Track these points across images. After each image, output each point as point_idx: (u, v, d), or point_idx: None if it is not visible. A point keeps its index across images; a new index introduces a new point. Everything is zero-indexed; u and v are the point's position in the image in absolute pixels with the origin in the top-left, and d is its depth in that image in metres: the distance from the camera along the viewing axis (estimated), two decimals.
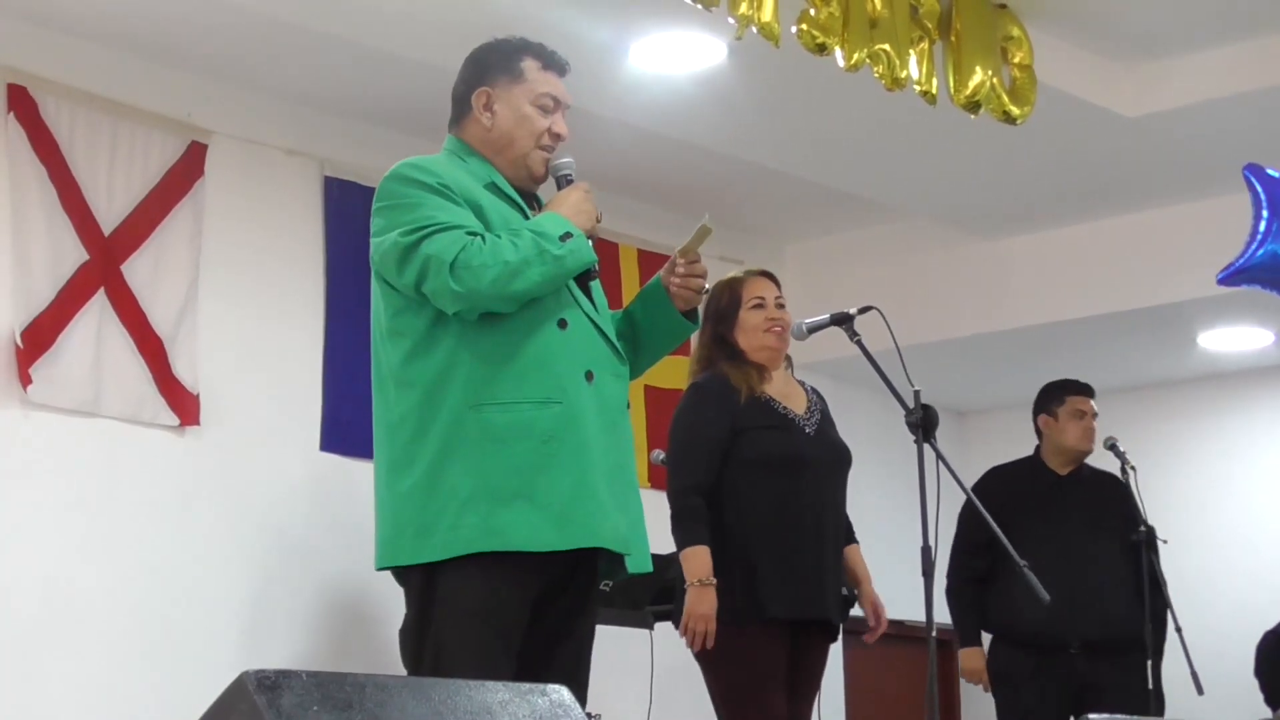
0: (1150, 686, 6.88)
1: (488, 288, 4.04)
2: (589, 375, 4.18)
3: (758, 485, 5.54)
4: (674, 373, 7.27)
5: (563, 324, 4.18)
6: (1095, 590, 6.92)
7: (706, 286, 4.50)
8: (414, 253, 4.08)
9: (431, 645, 4.08)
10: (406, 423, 4.14)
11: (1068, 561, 6.86)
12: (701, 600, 5.37)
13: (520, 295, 4.08)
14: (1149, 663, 6.90)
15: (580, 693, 4.09)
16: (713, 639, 5.35)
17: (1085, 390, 7.38)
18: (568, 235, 4.15)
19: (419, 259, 4.07)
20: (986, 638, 7.28)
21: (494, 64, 4.39)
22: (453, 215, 4.12)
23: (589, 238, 4.25)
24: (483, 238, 4.08)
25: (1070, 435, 7.27)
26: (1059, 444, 7.29)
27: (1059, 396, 7.36)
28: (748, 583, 5.43)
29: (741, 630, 5.40)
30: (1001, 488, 7.10)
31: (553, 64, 4.40)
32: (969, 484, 5.32)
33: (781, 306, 5.76)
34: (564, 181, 4.34)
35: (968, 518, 6.94)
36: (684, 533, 5.50)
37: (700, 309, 4.61)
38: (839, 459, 5.74)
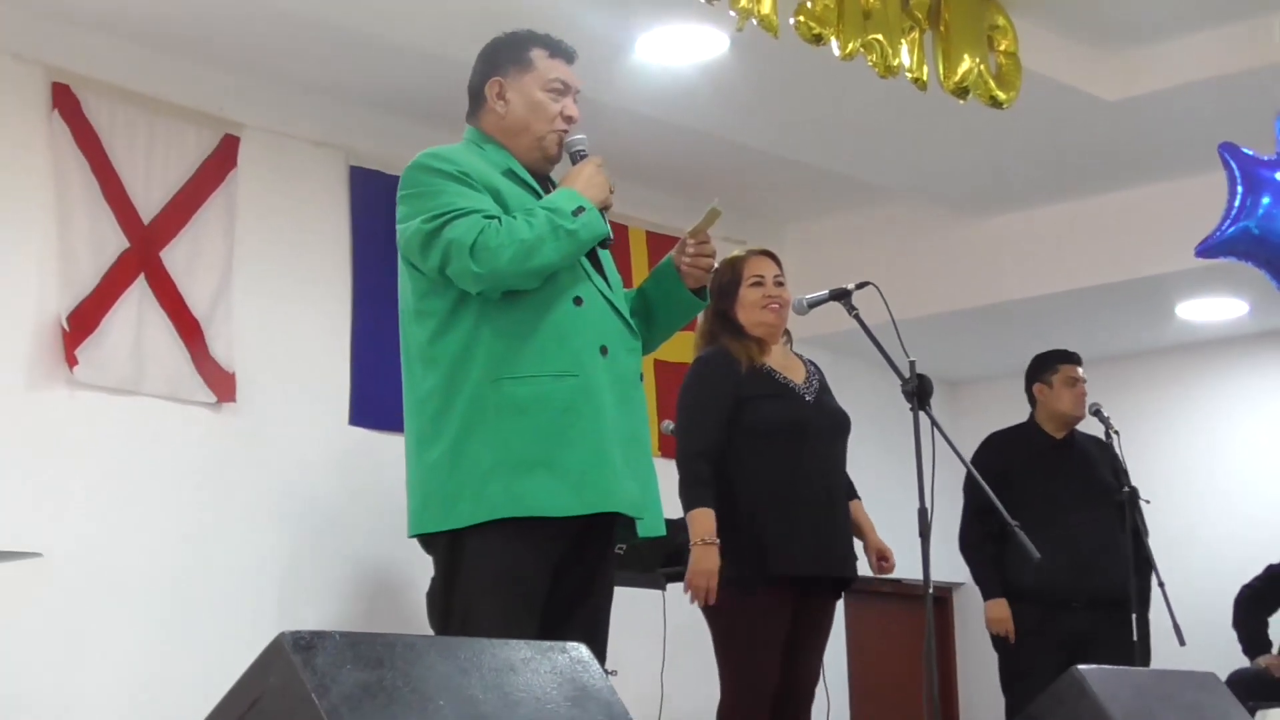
0: (1135, 638, 6.86)
1: (506, 266, 4.03)
2: (603, 349, 4.18)
3: (762, 451, 5.53)
4: (682, 347, 7.25)
5: (578, 301, 4.18)
6: (1095, 549, 6.89)
7: (715, 265, 4.49)
8: (436, 238, 4.08)
9: (459, 608, 4.08)
10: (432, 398, 4.14)
11: (1068, 521, 6.86)
12: (704, 558, 5.35)
13: (538, 271, 4.08)
14: (1135, 616, 6.88)
15: (599, 651, 4.08)
16: (714, 596, 5.34)
17: (1076, 359, 7.37)
18: (580, 210, 4.14)
19: (441, 244, 4.07)
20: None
21: (504, 55, 4.39)
22: (472, 201, 4.12)
23: (603, 209, 4.24)
24: (499, 220, 4.08)
25: (1065, 401, 7.26)
26: (1054, 410, 7.28)
27: (1052, 365, 7.35)
28: (755, 545, 5.42)
29: (749, 594, 5.39)
30: (1000, 452, 7.11)
31: (560, 51, 4.40)
32: (965, 449, 5.31)
33: (780, 284, 5.75)
34: (578, 157, 4.34)
35: (972, 483, 6.92)
36: (689, 496, 5.49)
37: (709, 286, 4.61)
38: (838, 424, 5.74)
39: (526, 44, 4.39)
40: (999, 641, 7.08)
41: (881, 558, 5.78)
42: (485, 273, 4.04)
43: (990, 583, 7.12)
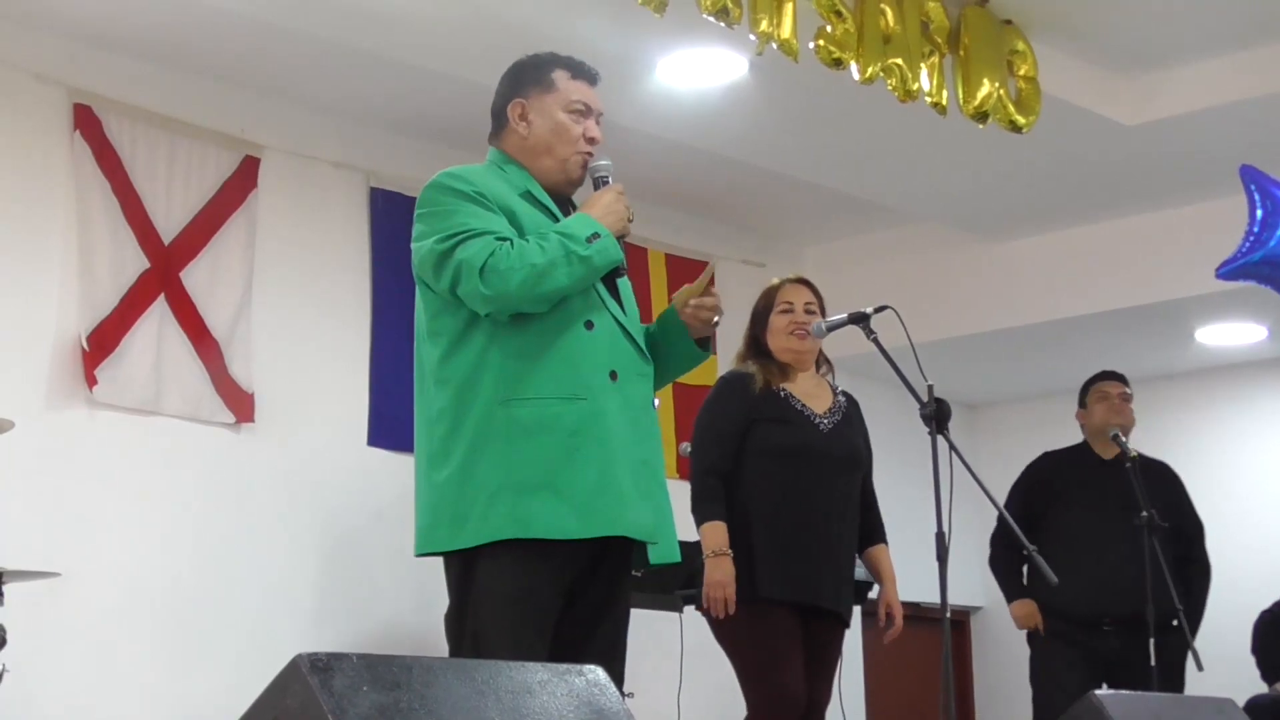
0: (1154, 663, 6.82)
1: (515, 290, 4.02)
2: (613, 375, 4.15)
3: (766, 474, 5.60)
4: (702, 371, 7.25)
5: (589, 325, 4.16)
6: (1125, 570, 6.85)
7: (717, 319, 4.43)
8: (448, 259, 4.07)
9: (470, 629, 4.07)
10: (443, 418, 4.13)
11: (1099, 541, 6.87)
12: (717, 569, 5.43)
13: (548, 296, 4.06)
14: (1154, 640, 6.85)
15: (617, 674, 4.07)
16: (733, 605, 5.38)
17: (1109, 376, 7.46)
18: (595, 236, 4.12)
19: (452, 265, 4.06)
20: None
21: (527, 77, 4.38)
22: (485, 222, 4.10)
23: (620, 237, 4.23)
24: (511, 242, 4.07)
25: (1096, 416, 7.32)
26: (1092, 428, 7.34)
27: (1087, 389, 7.47)
28: (747, 564, 5.47)
29: (751, 609, 5.42)
30: (1050, 468, 7.25)
31: (582, 73, 4.39)
32: (983, 473, 5.29)
33: (811, 312, 5.81)
34: (600, 183, 4.31)
35: (1010, 499, 7.00)
36: (701, 510, 5.59)
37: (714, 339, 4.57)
38: (849, 458, 5.75)
39: (549, 65, 4.38)
40: (1035, 650, 7.11)
41: (889, 616, 5.79)
42: (494, 295, 4.02)
43: (1014, 585, 7.16)
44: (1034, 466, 7.45)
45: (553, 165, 4.32)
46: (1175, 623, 6.81)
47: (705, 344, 4.45)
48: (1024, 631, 7.28)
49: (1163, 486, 7.19)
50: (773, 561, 5.50)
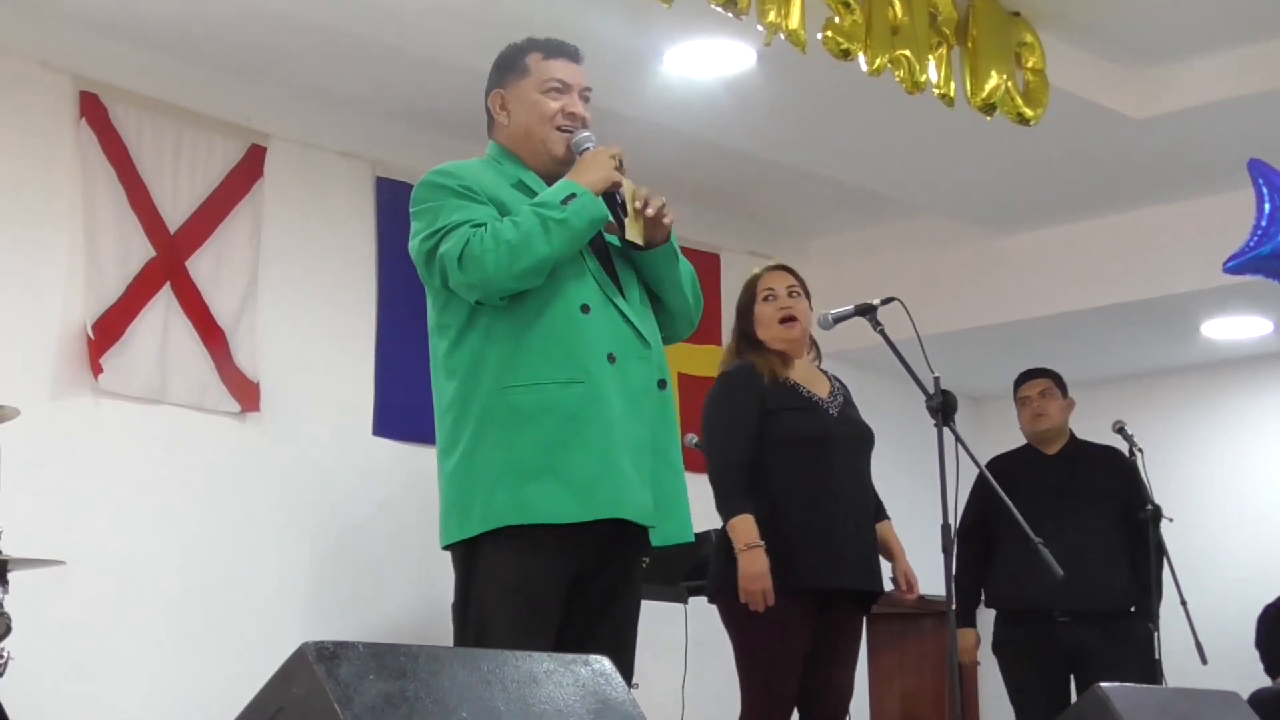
0: (1121, 650, 6.82)
1: (492, 271, 4.00)
2: (611, 357, 4.14)
3: (787, 463, 5.54)
4: (706, 361, 7.27)
5: (585, 309, 4.14)
6: (1079, 562, 6.81)
7: (651, 212, 4.26)
8: (434, 258, 4.10)
9: (473, 619, 4.07)
10: (452, 409, 4.15)
11: (1053, 536, 6.83)
12: (753, 563, 5.36)
13: (531, 269, 4.03)
14: (1155, 634, 6.85)
15: (625, 664, 4.05)
16: (771, 597, 5.34)
17: (1026, 377, 7.39)
18: (571, 197, 4.08)
19: (438, 262, 4.08)
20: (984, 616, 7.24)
21: (504, 67, 4.38)
22: (467, 213, 4.09)
23: (615, 188, 4.18)
24: (486, 226, 4.05)
25: (1023, 420, 7.32)
26: (1023, 431, 7.32)
27: (1015, 391, 7.39)
28: (780, 555, 5.42)
29: (780, 600, 5.39)
30: (996, 472, 7.13)
31: (557, 52, 4.35)
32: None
33: (795, 294, 5.76)
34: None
35: (967, 506, 6.93)
36: (728, 506, 5.50)
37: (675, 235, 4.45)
38: (862, 437, 5.75)
39: (524, 51, 4.36)
40: (1000, 658, 7.11)
41: (908, 584, 5.77)
42: (475, 282, 4.02)
43: (966, 612, 7.10)
44: (981, 477, 7.30)
45: (536, 148, 4.30)
46: (1133, 609, 6.83)
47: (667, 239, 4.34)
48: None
49: (1113, 472, 7.15)
50: (807, 550, 5.46)
